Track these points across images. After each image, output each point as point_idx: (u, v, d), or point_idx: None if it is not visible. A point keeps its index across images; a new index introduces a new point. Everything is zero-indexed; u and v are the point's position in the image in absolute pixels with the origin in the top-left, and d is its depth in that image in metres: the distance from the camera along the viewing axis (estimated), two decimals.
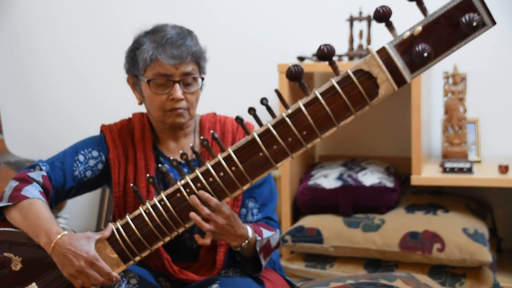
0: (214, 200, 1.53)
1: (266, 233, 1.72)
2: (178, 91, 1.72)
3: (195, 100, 1.77)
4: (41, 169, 1.75)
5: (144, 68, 1.74)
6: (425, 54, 1.23)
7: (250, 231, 1.66)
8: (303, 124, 1.39)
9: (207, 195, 1.52)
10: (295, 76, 1.37)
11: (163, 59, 1.70)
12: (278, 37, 3.07)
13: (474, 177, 2.52)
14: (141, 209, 1.56)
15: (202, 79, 1.78)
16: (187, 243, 1.78)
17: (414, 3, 1.24)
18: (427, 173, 2.56)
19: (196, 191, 1.51)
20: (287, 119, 1.40)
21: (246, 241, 1.64)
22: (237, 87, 3.13)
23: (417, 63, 1.28)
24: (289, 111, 1.41)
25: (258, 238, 1.68)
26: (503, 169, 2.51)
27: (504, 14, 2.79)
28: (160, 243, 1.57)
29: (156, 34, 1.75)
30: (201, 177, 1.50)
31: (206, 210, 1.53)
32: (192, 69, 1.74)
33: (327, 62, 1.34)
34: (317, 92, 1.37)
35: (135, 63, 1.77)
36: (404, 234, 2.42)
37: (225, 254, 1.78)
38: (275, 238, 1.76)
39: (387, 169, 2.77)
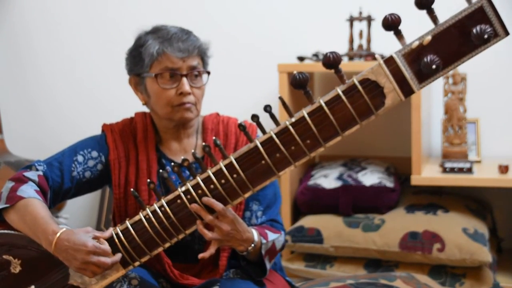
0: (219, 205, 1.50)
1: (271, 235, 1.71)
2: (186, 84, 1.72)
3: (201, 95, 1.78)
4: (37, 169, 1.73)
5: (150, 64, 1.73)
6: (434, 67, 1.20)
7: (255, 234, 1.64)
8: (306, 133, 1.37)
9: (211, 200, 1.50)
10: (300, 84, 1.35)
11: (170, 52, 1.71)
12: (278, 37, 3.06)
13: (474, 177, 2.51)
14: (141, 215, 1.55)
15: (208, 73, 1.78)
16: (188, 245, 1.77)
17: (424, 11, 1.21)
18: (427, 173, 2.55)
19: (196, 197, 1.49)
20: (291, 128, 1.38)
21: (252, 245, 1.62)
22: (237, 87, 3.11)
23: (426, 74, 1.25)
24: (293, 119, 1.38)
25: (264, 241, 1.66)
26: (503, 169, 2.50)
27: (504, 14, 2.78)
28: (160, 249, 1.56)
29: (159, 32, 1.75)
30: (202, 184, 1.48)
31: (209, 216, 1.52)
32: (198, 63, 1.75)
33: (333, 70, 1.31)
34: (322, 101, 1.35)
35: (139, 61, 1.76)
36: (404, 234, 2.42)
37: (227, 258, 1.76)
38: (280, 240, 1.75)
39: (387, 169, 2.76)
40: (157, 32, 1.76)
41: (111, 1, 3.32)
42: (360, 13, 2.73)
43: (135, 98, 1.85)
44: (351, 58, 2.72)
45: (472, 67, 2.77)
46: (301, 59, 2.75)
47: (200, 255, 1.58)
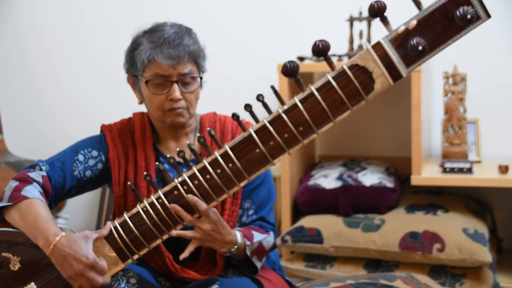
0: (203, 205, 1.52)
1: (258, 236, 1.72)
2: (176, 91, 1.71)
3: (194, 99, 1.76)
4: (41, 169, 1.75)
5: (143, 69, 1.74)
6: (420, 48, 1.23)
7: (239, 236, 1.66)
8: (299, 119, 1.39)
9: (195, 199, 1.52)
10: (291, 72, 1.38)
11: (160, 60, 1.69)
12: (278, 37, 3.08)
13: (474, 177, 2.51)
14: (138, 207, 1.56)
15: (201, 78, 1.77)
16: (186, 242, 1.78)
17: None
18: (427, 173, 2.56)
19: (193, 188, 1.51)
20: (283, 115, 1.40)
21: (235, 247, 1.64)
22: (237, 88, 3.14)
23: (413, 57, 1.27)
24: (285, 107, 1.41)
25: (248, 243, 1.68)
26: (503, 169, 2.50)
27: (504, 14, 2.79)
28: (158, 241, 1.57)
29: (154, 34, 1.74)
30: (198, 174, 1.50)
31: (189, 217, 1.54)
32: (190, 69, 1.73)
33: (322, 58, 1.34)
34: (312, 88, 1.37)
35: (133, 64, 1.77)
36: (404, 234, 2.42)
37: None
38: (268, 240, 1.76)
39: (387, 169, 2.76)
40: (152, 33, 1.75)
41: (108, 4, 3.35)
42: (360, 13, 2.74)
43: (132, 100, 1.86)
44: (351, 58, 2.72)
45: (472, 67, 2.78)
46: (301, 59, 2.77)
47: (181, 256, 1.60)
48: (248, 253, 1.68)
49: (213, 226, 1.57)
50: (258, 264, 1.73)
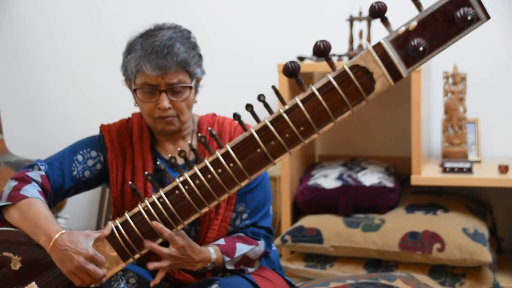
0: (167, 231, 1.54)
1: (242, 249, 1.72)
2: (164, 100, 1.71)
3: (185, 106, 1.74)
4: (39, 169, 1.75)
5: (133, 76, 1.74)
6: (421, 49, 1.24)
7: (213, 253, 1.66)
8: (300, 120, 1.40)
9: (160, 225, 1.54)
10: (292, 72, 1.38)
11: (147, 71, 1.68)
12: (278, 37, 3.08)
13: (474, 177, 2.52)
14: (140, 207, 1.57)
15: (191, 88, 1.74)
16: None
17: None
18: (427, 173, 2.56)
19: (194, 188, 1.50)
20: (285, 115, 1.41)
21: (210, 264, 1.65)
22: (237, 88, 3.14)
23: (413, 58, 1.28)
24: (286, 107, 1.41)
25: (227, 259, 1.68)
26: (503, 169, 2.51)
27: (504, 14, 2.80)
28: (159, 241, 1.58)
29: (147, 39, 1.72)
30: (199, 173, 1.50)
31: (151, 243, 1.56)
32: (180, 79, 1.71)
33: (323, 58, 1.35)
34: (314, 88, 1.38)
35: (127, 69, 1.77)
36: (404, 234, 2.42)
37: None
38: (256, 251, 1.75)
39: (387, 169, 2.77)
40: (146, 39, 1.72)
41: (108, 5, 3.35)
42: (360, 13, 2.75)
43: (130, 101, 1.87)
44: (351, 58, 2.73)
45: (472, 67, 2.79)
46: (301, 59, 2.77)
47: (152, 283, 1.60)
48: (230, 267, 1.69)
49: (181, 251, 1.59)
50: (250, 269, 1.74)
